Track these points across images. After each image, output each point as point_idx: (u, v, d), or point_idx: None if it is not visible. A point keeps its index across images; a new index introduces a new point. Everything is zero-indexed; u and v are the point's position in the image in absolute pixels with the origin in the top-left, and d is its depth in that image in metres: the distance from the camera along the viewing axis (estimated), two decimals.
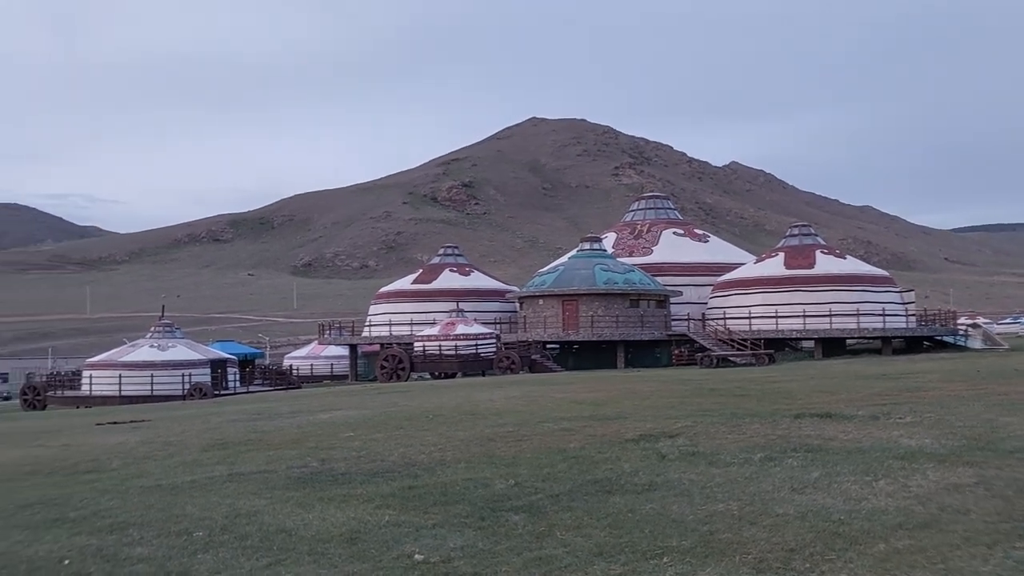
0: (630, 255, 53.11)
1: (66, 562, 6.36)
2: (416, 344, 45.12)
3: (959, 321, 51.95)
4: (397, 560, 6.01)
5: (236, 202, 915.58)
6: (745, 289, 46.43)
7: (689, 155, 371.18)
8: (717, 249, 57.10)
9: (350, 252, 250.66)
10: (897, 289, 47.43)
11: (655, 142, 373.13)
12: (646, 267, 50.16)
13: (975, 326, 52.58)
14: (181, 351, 43.11)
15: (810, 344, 45.87)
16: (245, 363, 49.32)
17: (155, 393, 39.34)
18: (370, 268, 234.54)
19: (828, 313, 43.14)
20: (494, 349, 43.19)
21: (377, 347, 52.34)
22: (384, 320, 53.70)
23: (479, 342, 43.52)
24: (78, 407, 38.43)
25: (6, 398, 63.97)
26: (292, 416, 17.36)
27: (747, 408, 14.24)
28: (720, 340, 42.93)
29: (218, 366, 43.65)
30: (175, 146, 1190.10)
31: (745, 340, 41.93)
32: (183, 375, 40.90)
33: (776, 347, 42.68)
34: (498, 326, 48.93)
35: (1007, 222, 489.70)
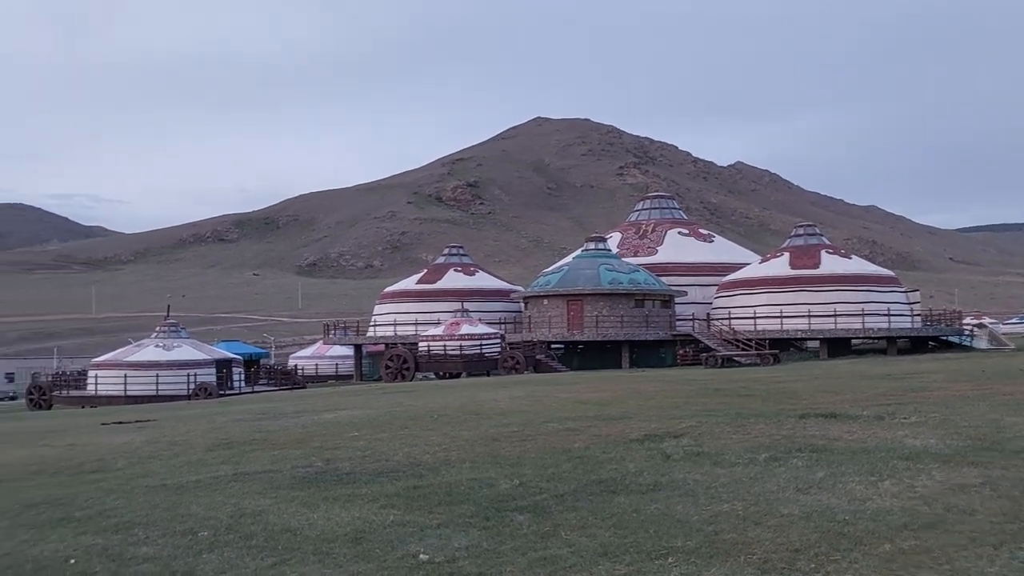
0: (635, 255, 53.06)
1: (72, 561, 6.38)
2: (421, 344, 45.13)
3: (964, 321, 51.81)
4: (402, 560, 6.02)
5: (241, 202, 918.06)
6: (750, 289, 46.37)
7: (694, 155, 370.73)
8: (722, 249, 57.02)
9: (355, 252, 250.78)
10: (902, 289, 47.33)
11: (660, 142, 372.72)
12: (651, 267, 50.11)
13: (980, 326, 52.42)
14: (186, 351, 43.18)
15: (815, 344, 45.78)
16: (250, 363, 49.40)
17: (160, 393, 39.41)
18: (375, 268, 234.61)
19: (833, 313, 43.06)
20: (499, 349, 43.19)
21: (382, 347, 52.38)
22: (389, 320, 53.71)
23: (484, 342, 43.51)
24: (83, 407, 38.51)
25: (12, 398, 64.13)
26: (297, 416, 17.38)
27: (752, 408, 14.23)
28: (725, 340, 42.87)
29: (223, 366, 43.72)
30: (180, 146, 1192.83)
31: (750, 340, 41.87)
32: (188, 375, 40.97)
33: (781, 347, 42.61)
34: (503, 326, 48.92)
35: (1012, 222, 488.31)
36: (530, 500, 7.71)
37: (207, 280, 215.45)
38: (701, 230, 60.08)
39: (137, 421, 19.59)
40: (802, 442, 10.03)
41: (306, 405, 20.86)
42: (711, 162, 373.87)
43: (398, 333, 51.45)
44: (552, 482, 8.47)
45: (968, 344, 45.58)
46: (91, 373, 43.01)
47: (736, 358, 38.86)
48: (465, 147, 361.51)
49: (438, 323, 47.50)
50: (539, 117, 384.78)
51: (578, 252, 53.00)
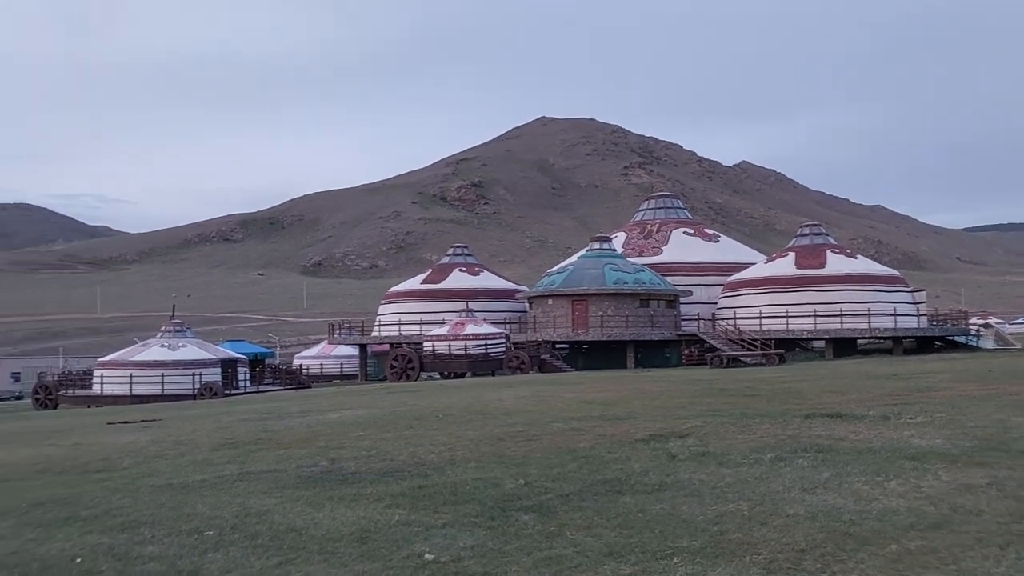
0: (640, 255, 53.03)
1: (78, 560, 6.39)
2: (426, 344, 45.16)
3: (971, 321, 51.70)
4: (407, 559, 6.01)
5: (246, 202, 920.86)
6: (755, 289, 46.31)
7: (699, 154, 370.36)
8: (727, 249, 56.97)
9: (360, 252, 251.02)
10: (908, 289, 47.24)
11: (665, 141, 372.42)
12: (656, 267, 50.09)
13: (987, 326, 52.35)
14: (191, 351, 43.25)
15: (821, 344, 45.72)
16: (255, 363, 49.46)
17: (166, 392, 39.48)
18: (380, 268, 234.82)
19: (839, 313, 42.99)
20: (504, 349, 43.20)
21: (387, 347, 52.41)
22: (394, 320, 53.76)
23: (489, 342, 43.51)
24: (89, 406, 38.61)
25: (18, 397, 64.30)
26: (302, 415, 17.39)
27: (757, 408, 14.21)
28: (730, 340, 42.82)
29: (228, 366, 43.77)
30: (185, 147, 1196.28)
31: (755, 340, 41.81)
32: (193, 375, 41.03)
33: (787, 347, 42.54)
34: (508, 326, 48.94)
35: (1019, 221, 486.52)
36: (535, 500, 7.70)
37: (212, 280, 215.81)
38: (706, 230, 60.04)
39: (142, 421, 19.62)
40: (808, 442, 10.01)
41: (311, 405, 20.88)
42: (716, 162, 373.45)
43: (403, 333, 51.50)
44: (557, 482, 8.46)
45: (974, 344, 45.50)
46: (96, 373, 43.10)
47: (741, 358, 38.80)
48: (469, 147, 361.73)
49: (443, 323, 47.53)
50: (544, 117, 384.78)
51: (583, 252, 53.00)
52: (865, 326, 42.70)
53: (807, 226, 51.55)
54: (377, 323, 56.03)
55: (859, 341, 45.89)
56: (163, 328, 45.91)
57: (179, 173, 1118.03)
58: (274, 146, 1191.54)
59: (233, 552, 6.40)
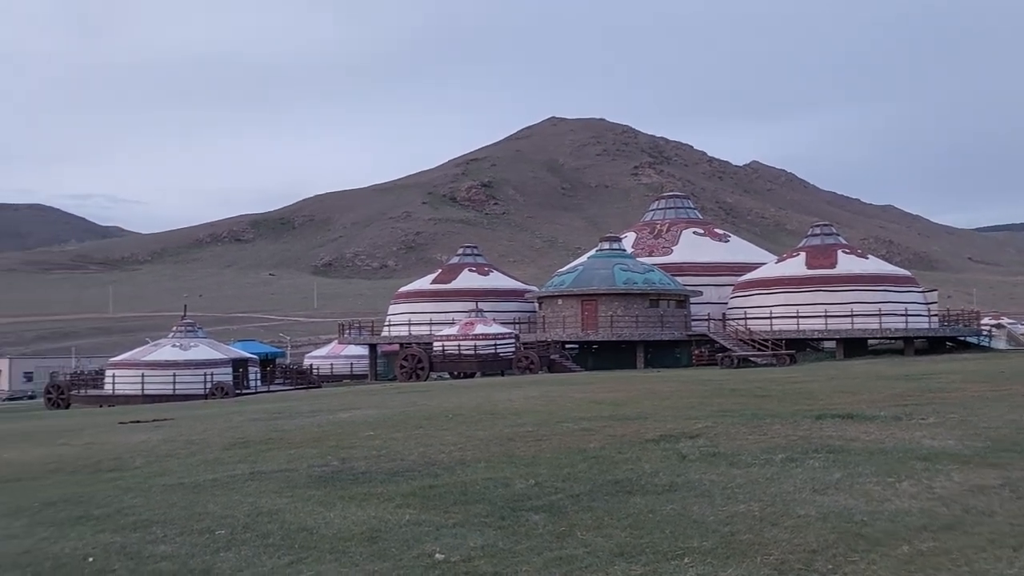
0: (650, 255, 52.94)
1: (90, 559, 6.42)
2: (435, 344, 45.19)
3: (983, 321, 51.45)
4: (418, 559, 6.03)
5: (257, 202, 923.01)
6: (766, 289, 46.18)
7: (709, 154, 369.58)
8: (738, 249, 56.82)
9: (370, 252, 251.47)
10: (920, 289, 47.03)
11: (675, 141, 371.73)
12: (666, 267, 49.99)
13: (999, 326, 52.13)
14: (203, 350, 43.40)
15: (831, 344, 45.56)
16: (266, 362, 49.61)
17: (177, 392, 39.62)
18: (390, 268, 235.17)
19: (850, 313, 42.84)
20: (513, 349, 43.20)
21: (396, 347, 52.49)
22: (403, 320, 53.82)
23: (498, 342, 43.52)
24: (101, 406, 38.79)
25: (30, 397, 64.66)
26: (312, 415, 17.44)
27: (768, 409, 14.17)
28: (741, 340, 42.71)
29: (239, 365, 43.91)
30: (197, 147, 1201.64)
31: (766, 340, 41.69)
32: (205, 374, 41.17)
33: (797, 347, 42.42)
34: (517, 326, 48.93)
35: None
36: (545, 500, 7.71)
37: (224, 280, 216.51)
38: (716, 230, 59.88)
39: (154, 420, 19.70)
40: (819, 443, 9.98)
41: (321, 404, 20.93)
42: (726, 161, 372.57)
43: (413, 333, 51.55)
44: (567, 482, 8.46)
45: (986, 344, 45.31)
46: (108, 372, 43.29)
47: (752, 358, 38.70)
48: (479, 147, 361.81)
49: (452, 323, 47.55)
50: (553, 117, 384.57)
51: (592, 252, 52.94)
52: (876, 326, 42.54)
53: (818, 226, 51.38)
54: (387, 323, 56.11)
55: (870, 341, 45.72)
56: (175, 328, 46.09)
57: (191, 173, 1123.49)
58: (285, 146, 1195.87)
59: (245, 551, 6.43)
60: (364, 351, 58.38)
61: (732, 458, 9.30)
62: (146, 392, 40.11)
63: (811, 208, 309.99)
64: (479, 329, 44.59)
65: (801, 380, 22.11)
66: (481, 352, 43.02)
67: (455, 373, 45.27)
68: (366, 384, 46.25)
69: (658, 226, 57.26)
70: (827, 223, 53.53)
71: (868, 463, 8.56)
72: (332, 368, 59.32)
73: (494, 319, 47.50)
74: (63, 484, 10.22)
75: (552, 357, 42.37)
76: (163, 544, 6.74)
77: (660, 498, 7.54)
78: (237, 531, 7.02)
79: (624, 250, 51.15)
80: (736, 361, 37.17)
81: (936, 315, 46.88)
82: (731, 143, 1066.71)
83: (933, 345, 45.73)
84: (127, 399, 39.58)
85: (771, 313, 44.57)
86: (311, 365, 58.23)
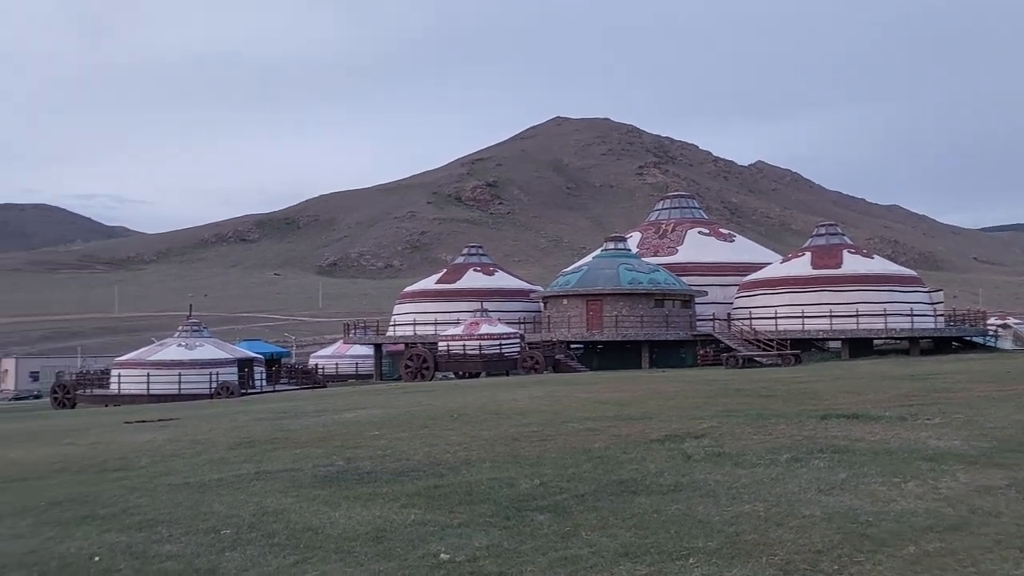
0: (655, 255, 52.93)
1: (96, 559, 6.44)
2: (440, 344, 45.23)
3: (988, 321, 51.33)
4: (423, 559, 6.03)
5: (262, 202, 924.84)
6: (771, 289, 46.13)
7: (714, 154, 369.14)
8: (743, 249, 56.77)
9: (375, 252, 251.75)
10: (925, 289, 46.93)
11: (680, 141, 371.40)
12: (671, 267, 49.97)
13: (1005, 326, 52.00)
14: (208, 350, 43.50)
15: (837, 344, 45.49)
16: (271, 362, 49.71)
17: (183, 392, 39.72)
18: (395, 268, 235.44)
19: (855, 313, 42.76)
20: (518, 349, 43.21)
21: (402, 346, 52.54)
22: (408, 320, 53.87)
23: (503, 342, 43.54)
24: (107, 405, 38.91)
25: (36, 396, 64.87)
26: (318, 415, 17.46)
27: (773, 409, 14.15)
28: (746, 340, 42.68)
29: (245, 365, 44.00)
30: (202, 147, 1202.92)
31: (771, 340, 41.65)
32: (210, 374, 41.26)
33: (802, 347, 42.36)
34: (522, 326, 48.94)
35: None
36: (550, 500, 7.70)
37: (229, 280, 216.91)
38: (721, 230, 59.85)
39: (160, 420, 19.74)
40: (824, 443, 9.97)
41: (327, 404, 20.95)
42: (731, 161, 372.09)
43: (418, 333, 51.59)
44: (572, 482, 8.46)
45: (992, 345, 45.20)
46: (114, 372, 43.41)
47: (757, 358, 38.67)
48: (484, 147, 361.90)
49: (458, 323, 47.58)
50: (558, 117, 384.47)
51: (598, 252, 52.95)
52: (881, 326, 42.46)
53: (823, 226, 51.30)
54: (392, 323, 56.16)
55: (875, 342, 45.64)
56: (180, 328, 46.20)
57: (196, 173, 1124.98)
58: (290, 146, 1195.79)
59: (250, 551, 6.44)
60: (369, 351, 58.44)
61: (737, 458, 9.29)
62: (152, 392, 40.22)
63: (816, 208, 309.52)
64: (484, 329, 44.61)
65: (806, 380, 22.08)
66: (486, 352, 43.03)
67: (460, 373, 45.28)
68: (371, 384, 46.28)
69: (663, 226, 57.23)
70: (832, 223, 53.43)
71: (873, 463, 8.54)
72: (337, 368, 59.39)
73: (499, 319, 47.51)
74: (69, 484, 10.25)
75: (557, 357, 42.37)
76: (168, 544, 6.76)
77: (665, 498, 7.54)
78: (242, 531, 7.03)
79: (629, 250, 51.14)
80: (741, 361, 37.14)
81: (942, 315, 46.79)
82: (736, 143, 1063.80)
83: (939, 345, 45.64)
84: (133, 399, 39.69)
85: (776, 313, 44.53)
86: (316, 365, 58.29)
